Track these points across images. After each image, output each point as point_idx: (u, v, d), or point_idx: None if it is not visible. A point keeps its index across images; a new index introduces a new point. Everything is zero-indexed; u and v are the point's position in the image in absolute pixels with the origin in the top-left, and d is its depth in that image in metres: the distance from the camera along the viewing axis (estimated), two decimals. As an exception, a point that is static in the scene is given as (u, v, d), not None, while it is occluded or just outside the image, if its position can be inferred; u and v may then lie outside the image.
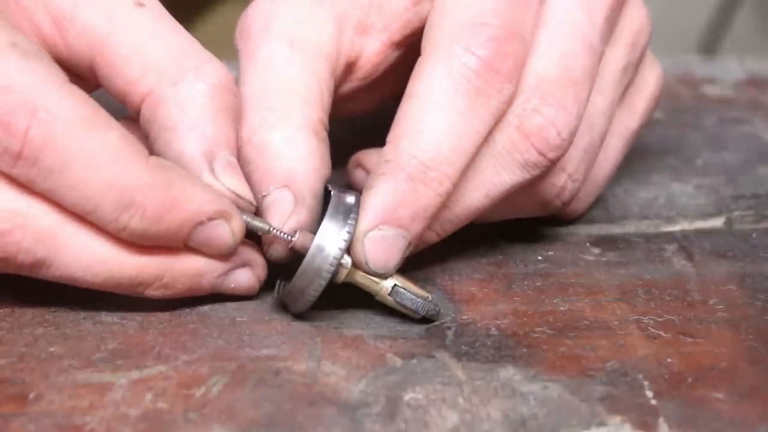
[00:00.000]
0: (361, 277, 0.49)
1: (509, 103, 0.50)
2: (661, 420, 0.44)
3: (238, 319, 0.49)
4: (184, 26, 0.49)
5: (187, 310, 0.49)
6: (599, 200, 0.60)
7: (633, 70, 0.57)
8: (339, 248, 0.47)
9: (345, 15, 0.53)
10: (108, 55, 0.47)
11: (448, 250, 0.55)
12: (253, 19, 0.52)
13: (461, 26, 0.50)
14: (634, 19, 0.56)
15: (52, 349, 0.46)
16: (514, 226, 0.56)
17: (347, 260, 0.48)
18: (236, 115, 0.49)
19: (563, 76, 0.51)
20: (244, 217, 0.48)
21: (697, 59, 0.85)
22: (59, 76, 0.45)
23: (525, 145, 0.50)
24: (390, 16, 0.53)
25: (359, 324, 0.49)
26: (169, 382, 0.45)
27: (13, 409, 0.43)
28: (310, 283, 0.47)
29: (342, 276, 0.48)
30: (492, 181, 0.50)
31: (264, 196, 0.49)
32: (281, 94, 0.50)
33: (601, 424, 0.43)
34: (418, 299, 0.49)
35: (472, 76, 0.49)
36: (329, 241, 0.47)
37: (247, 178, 0.49)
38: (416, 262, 0.53)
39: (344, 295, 0.49)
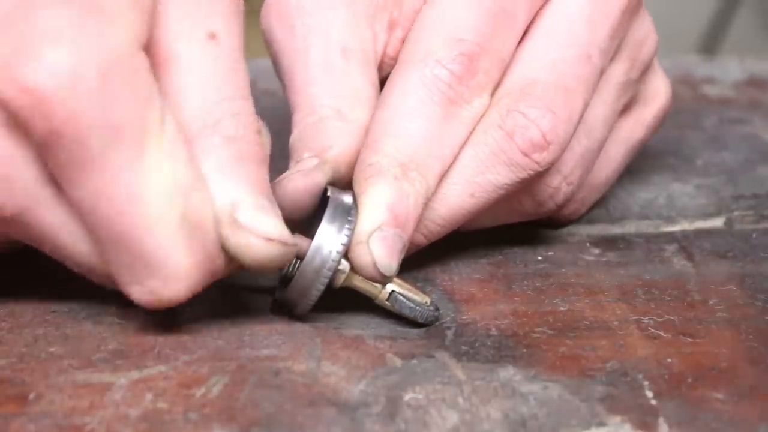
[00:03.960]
0: (359, 281, 0.49)
1: (482, 113, 0.51)
2: (661, 420, 0.44)
3: (238, 319, 0.49)
4: None
5: (187, 310, 0.49)
6: (599, 200, 0.60)
7: (636, 83, 0.57)
8: (338, 249, 0.47)
9: (376, 16, 0.53)
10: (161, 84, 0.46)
11: (448, 250, 0.55)
12: (287, 6, 0.53)
13: (438, 40, 0.51)
14: (640, 36, 0.56)
15: (52, 349, 0.46)
16: (514, 227, 0.56)
17: (345, 265, 0.48)
18: (258, 158, 0.47)
19: (552, 81, 0.51)
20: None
21: (697, 59, 0.85)
22: None
23: (509, 145, 0.50)
24: (405, 15, 0.54)
25: (359, 324, 0.49)
26: (169, 382, 0.45)
27: (13, 409, 0.43)
28: (310, 285, 0.47)
29: (340, 280, 0.48)
30: (476, 181, 0.51)
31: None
32: (350, 101, 0.51)
33: (601, 424, 0.43)
34: (417, 307, 0.49)
35: (443, 87, 0.50)
36: (328, 242, 0.47)
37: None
38: (416, 263, 0.53)
39: (344, 296, 0.49)
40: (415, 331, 0.49)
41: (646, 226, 0.59)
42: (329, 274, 0.47)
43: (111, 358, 0.46)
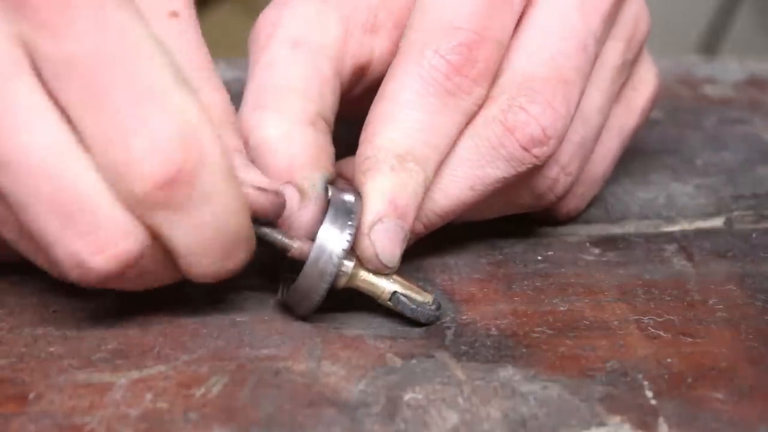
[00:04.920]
0: (361, 282, 0.49)
1: (479, 103, 0.51)
2: (660, 420, 0.44)
3: (238, 319, 0.49)
4: None
5: (187, 310, 0.49)
6: (599, 200, 0.60)
7: (630, 66, 0.57)
8: (338, 254, 0.47)
9: (352, 16, 0.53)
10: None
11: (448, 250, 0.55)
12: (260, 27, 0.53)
13: (435, 29, 0.50)
14: (634, 15, 0.56)
15: (52, 349, 0.46)
16: (514, 226, 0.57)
17: (348, 266, 0.48)
18: (233, 121, 0.49)
19: (552, 75, 0.51)
20: (266, 230, 0.47)
21: (697, 59, 0.85)
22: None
23: (509, 140, 0.51)
24: (399, 14, 0.54)
25: (359, 324, 0.49)
26: (169, 382, 0.45)
27: (13, 409, 0.43)
28: (313, 287, 0.47)
29: (343, 281, 0.48)
30: (476, 174, 0.51)
31: None
32: (278, 91, 0.50)
33: (601, 424, 0.44)
34: (418, 308, 0.49)
35: (441, 79, 0.50)
36: (331, 242, 0.47)
37: None
38: (416, 262, 0.53)
39: (345, 296, 0.49)
40: (416, 331, 0.49)
41: (646, 226, 0.59)
42: (332, 276, 0.47)
43: (111, 358, 0.46)
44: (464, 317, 0.50)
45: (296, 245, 0.47)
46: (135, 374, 0.45)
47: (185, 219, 0.43)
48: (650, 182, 0.64)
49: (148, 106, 0.42)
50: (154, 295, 0.49)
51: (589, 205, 0.59)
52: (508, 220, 0.56)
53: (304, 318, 0.49)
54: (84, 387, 0.44)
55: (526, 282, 0.53)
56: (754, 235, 0.58)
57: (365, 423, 0.43)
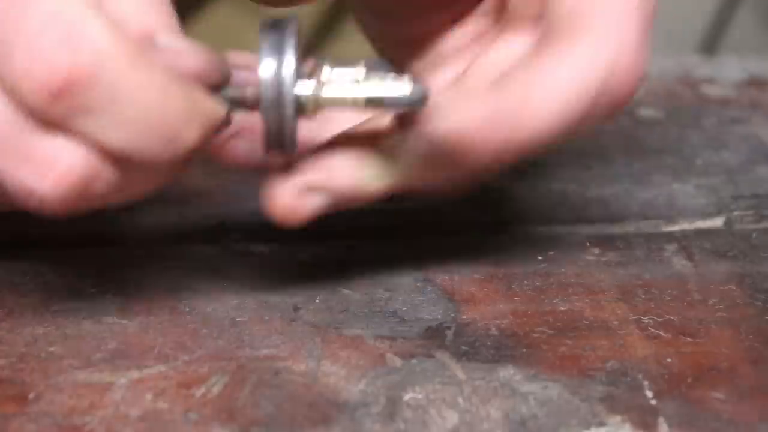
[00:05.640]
0: (328, 100, 0.44)
1: None
2: (661, 420, 0.44)
3: (238, 319, 0.49)
4: None
5: (187, 310, 0.49)
6: (599, 200, 0.60)
7: None
8: (289, 70, 0.43)
9: None
10: None
11: (448, 250, 0.55)
12: None
13: None
14: None
15: (52, 349, 0.46)
16: (514, 226, 0.57)
17: (304, 87, 0.44)
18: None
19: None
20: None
21: (697, 59, 0.84)
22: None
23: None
24: None
25: (359, 324, 0.49)
26: (169, 382, 0.45)
27: (13, 409, 0.43)
28: (280, 118, 0.43)
29: (310, 107, 0.44)
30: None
31: None
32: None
33: (601, 424, 0.44)
34: (401, 98, 0.44)
35: None
36: (274, 70, 0.43)
37: None
38: (416, 262, 0.53)
39: (344, 295, 0.49)
40: (415, 330, 0.49)
41: (646, 226, 0.59)
42: (291, 101, 0.43)
43: (111, 358, 0.46)
44: (464, 317, 0.50)
45: (249, 91, 0.44)
46: (135, 374, 0.45)
47: (106, 120, 0.39)
48: (650, 182, 0.64)
49: (24, 11, 0.38)
50: (154, 295, 0.49)
51: (589, 204, 0.59)
52: (508, 220, 0.56)
53: (303, 317, 0.49)
54: (84, 387, 0.44)
55: (526, 282, 0.53)
56: (754, 235, 0.58)
57: (365, 423, 0.43)
